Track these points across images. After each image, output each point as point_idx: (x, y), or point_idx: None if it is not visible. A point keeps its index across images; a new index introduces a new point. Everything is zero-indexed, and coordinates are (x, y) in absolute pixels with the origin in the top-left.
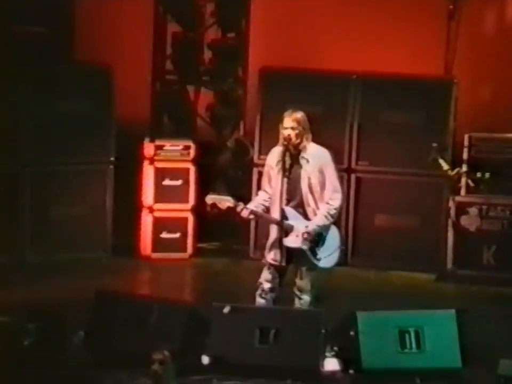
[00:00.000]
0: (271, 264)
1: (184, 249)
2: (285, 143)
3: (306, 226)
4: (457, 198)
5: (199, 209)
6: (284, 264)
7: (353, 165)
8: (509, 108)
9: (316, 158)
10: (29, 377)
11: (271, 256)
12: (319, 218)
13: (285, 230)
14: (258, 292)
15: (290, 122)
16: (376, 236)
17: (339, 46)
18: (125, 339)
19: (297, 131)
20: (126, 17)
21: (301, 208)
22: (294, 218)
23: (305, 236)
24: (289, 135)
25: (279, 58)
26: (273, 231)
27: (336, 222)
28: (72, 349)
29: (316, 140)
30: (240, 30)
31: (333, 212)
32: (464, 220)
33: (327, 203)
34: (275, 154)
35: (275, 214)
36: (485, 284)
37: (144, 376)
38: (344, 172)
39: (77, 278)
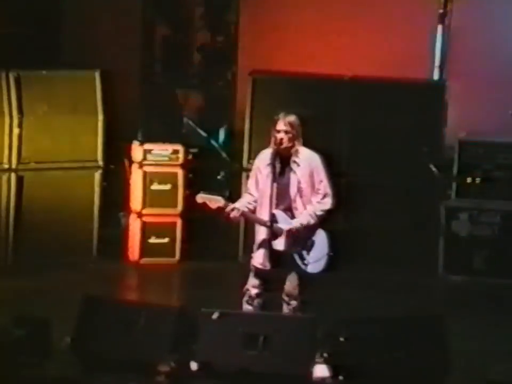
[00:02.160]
0: (257, 269)
1: (172, 254)
2: (275, 147)
3: (290, 224)
4: (448, 203)
5: (188, 213)
6: (271, 268)
7: (343, 168)
8: (499, 113)
9: (307, 162)
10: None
11: (258, 260)
12: (303, 217)
13: (274, 233)
14: (245, 298)
15: (283, 126)
16: (367, 240)
17: (329, 49)
18: (112, 344)
19: (290, 135)
20: (114, 19)
21: (289, 211)
22: (284, 222)
23: (289, 233)
24: (281, 138)
25: (268, 62)
26: (261, 234)
27: (326, 227)
28: (58, 354)
29: (306, 144)
30: (230, 33)
31: (319, 212)
32: (454, 225)
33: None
34: (264, 157)
35: (263, 217)
36: (476, 290)
37: (132, 382)
38: (334, 175)
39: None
